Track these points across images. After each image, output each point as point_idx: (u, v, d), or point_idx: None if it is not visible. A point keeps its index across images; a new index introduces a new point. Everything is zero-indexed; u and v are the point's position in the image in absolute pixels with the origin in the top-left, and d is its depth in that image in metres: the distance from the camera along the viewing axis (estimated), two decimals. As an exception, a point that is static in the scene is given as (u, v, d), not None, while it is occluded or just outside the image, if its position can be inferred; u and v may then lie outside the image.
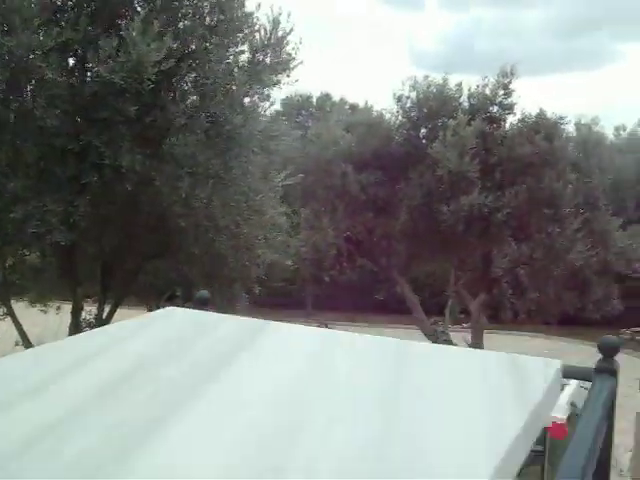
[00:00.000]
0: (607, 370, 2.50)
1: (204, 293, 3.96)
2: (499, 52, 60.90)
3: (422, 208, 17.03)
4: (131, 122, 8.74)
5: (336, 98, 30.99)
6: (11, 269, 11.12)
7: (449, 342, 19.27)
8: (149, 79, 8.27)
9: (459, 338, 19.90)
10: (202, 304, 3.85)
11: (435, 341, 19.27)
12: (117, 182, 8.84)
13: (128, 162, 8.45)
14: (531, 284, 17.77)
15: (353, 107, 25.56)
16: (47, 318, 13.14)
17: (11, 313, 11.50)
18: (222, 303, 13.96)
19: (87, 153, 8.75)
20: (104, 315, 11.47)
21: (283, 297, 27.68)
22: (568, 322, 21.13)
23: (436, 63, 76.97)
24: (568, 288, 17.64)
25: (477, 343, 19.14)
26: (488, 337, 21.08)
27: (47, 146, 8.71)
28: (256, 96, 9.76)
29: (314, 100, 32.01)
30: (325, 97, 31.80)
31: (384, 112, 19.30)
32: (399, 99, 18.21)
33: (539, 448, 3.09)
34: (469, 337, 19.74)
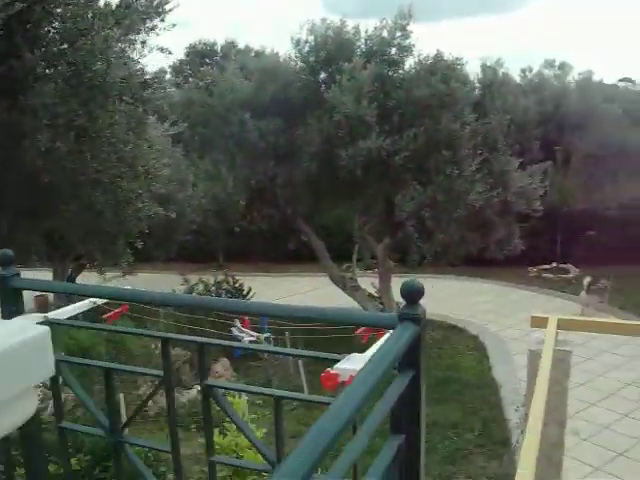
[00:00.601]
0: (409, 317, 2.31)
1: (7, 252, 3.65)
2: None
3: (322, 154, 16.82)
4: (-17, 72, 8.22)
5: (242, 45, 30.37)
6: None
7: (357, 288, 19.32)
8: (-4, 25, 7.74)
9: (368, 284, 19.96)
10: (4, 264, 3.56)
11: (343, 288, 19.29)
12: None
13: (-21, 115, 7.95)
14: (435, 226, 17.82)
15: (258, 54, 24.99)
16: None
17: None
18: (105, 260, 13.67)
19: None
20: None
21: (195, 250, 27.37)
22: (473, 263, 21.36)
23: (352, 10, 76.41)
24: (471, 229, 17.74)
25: (385, 287, 19.22)
26: (400, 281, 21.16)
27: None
28: (122, 42, 9.26)
29: (219, 48, 31.26)
30: (230, 45, 31.07)
31: (283, 57, 18.93)
32: (297, 43, 17.81)
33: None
34: (377, 282, 19.80)
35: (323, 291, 22.01)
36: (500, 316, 20.72)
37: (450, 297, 22.33)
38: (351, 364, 2.66)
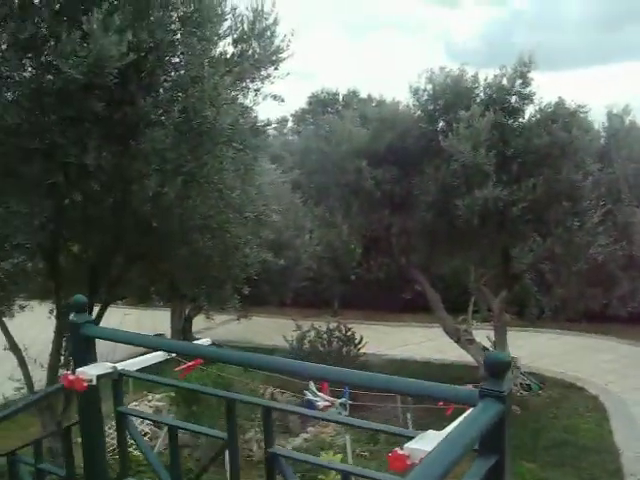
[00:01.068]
0: (492, 394, 2.05)
1: (80, 298, 3.59)
2: (538, 45, 59.61)
3: (438, 203, 16.50)
4: (99, 119, 8.44)
5: (364, 95, 30.49)
6: None
7: (471, 341, 18.73)
8: (112, 74, 7.93)
9: (483, 336, 19.33)
10: (78, 311, 3.49)
11: (457, 340, 18.74)
12: (84, 182, 8.53)
13: (92, 160, 8.14)
14: (554, 280, 17.10)
15: (379, 103, 25.06)
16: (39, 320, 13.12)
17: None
18: (212, 305, 13.77)
19: (53, 152, 8.46)
20: (93, 316, 11.22)
21: (310, 297, 27.44)
22: (594, 319, 20.33)
23: (473, 59, 76.12)
24: (592, 284, 16.90)
25: (501, 341, 18.54)
26: (517, 335, 20.48)
27: (11, 145, 8.43)
28: (234, 90, 9.35)
29: (340, 98, 31.48)
30: (352, 94, 31.26)
31: (402, 106, 18.84)
32: (415, 92, 17.67)
33: None
34: (492, 335, 19.14)
35: (437, 342, 21.49)
36: (623, 376, 19.51)
37: (569, 354, 21.31)
38: (423, 444, 2.37)
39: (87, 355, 3.42)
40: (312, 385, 15.99)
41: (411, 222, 17.62)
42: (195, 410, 11.82)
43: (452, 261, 20.41)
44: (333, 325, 19.96)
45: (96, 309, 11.44)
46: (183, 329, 23.66)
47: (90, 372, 3.25)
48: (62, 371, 10.23)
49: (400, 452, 2.41)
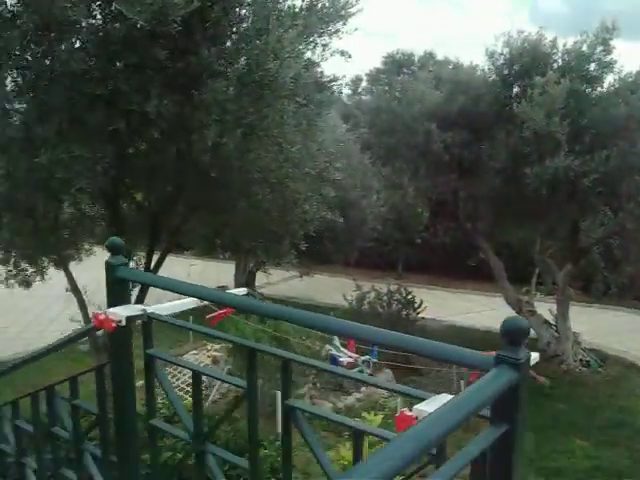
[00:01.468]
0: (507, 361, 1.99)
1: (116, 240, 3.62)
2: (623, 12, 57.43)
3: (507, 170, 16.19)
4: (162, 67, 8.47)
5: (440, 57, 29.95)
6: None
7: (532, 313, 18.43)
8: (176, 22, 7.92)
9: (545, 309, 19.01)
10: (114, 253, 3.52)
11: (518, 311, 18.46)
12: (145, 130, 8.61)
13: (154, 108, 8.19)
14: (623, 256, 16.67)
15: (456, 66, 24.57)
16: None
17: (63, 263, 11.65)
18: (268, 259, 13.84)
19: (116, 100, 8.55)
20: (152, 264, 11.44)
21: (374, 258, 27.39)
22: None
23: (556, 23, 73.77)
24: (665, 263, 16.41)
25: (562, 315, 18.20)
26: (581, 311, 20.07)
27: (76, 92, 8.54)
28: (301, 44, 9.24)
29: (416, 59, 31.00)
30: (428, 56, 30.77)
31: (477, 69, 18.46)
32: (491, 55, 17.26)
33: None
34: (555, 309, 18.80)
35: (498, 312, 21.09)
36: (690, 359, 18.96)
37: (633, 332, 20.74)
38: (433, 406, 2.30)
39: (120, 296, 3.44)
40: (336, 340, 15.82)
41: (478, 188, 17.36)
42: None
43: (518, 230, 20.02)
44: (394, 287, 19.87)
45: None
46: (246, 283, 23.92)
47: (120, 313, 3.26)
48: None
49: (408, 413, 2.36)
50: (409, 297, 19.69)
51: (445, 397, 2.40)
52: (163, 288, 3.45)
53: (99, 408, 3.84)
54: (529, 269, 20.48)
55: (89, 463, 4.05)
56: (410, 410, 2.33)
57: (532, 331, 18.27)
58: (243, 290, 3.85)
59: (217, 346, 17.64)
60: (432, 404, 2.34)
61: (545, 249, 18.70)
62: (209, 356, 17.47)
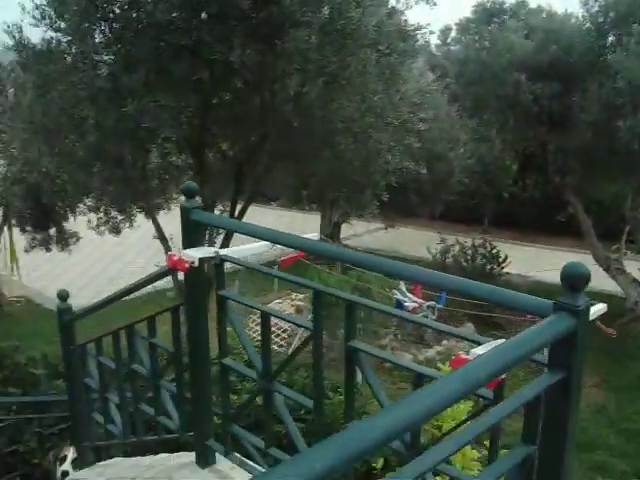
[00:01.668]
0: (566, 307, 1.99)
1: (190, 184, 3.71)
2: None
3: (599, 123, 15.61)
4: (245, 17, 8.52)
5: (533, 5, 28.92)
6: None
7: (621, 271, 17.95)
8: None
9: (634, 268, 18.45)
10: (188, 197, 3.62)
11: (606, 269, 18.00)
12: (229, 79, 8.70)
13: (237, 58, 8.26)
14: None
15: (549, 15, 23.73)
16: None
17: (151, 211, 11.97)
18: (352, 210, 13.85)
19: (200, 50, 8.65)
20: (236, 213, 11.62)
21: (460, 212, 27.05)
22: None
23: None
24: None
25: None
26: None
27: (161, 42, 8.69)
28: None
29: (508, 7, 30.06)
30: (520, 4, 29.72)
31: (570, 17, 17.81)
32: (585, 2, 16.58)
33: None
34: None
35: (586, 270, 20.62)
36: None
37: None
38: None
39: (194, 239, 3.54)
40: (402, 285, 15.63)
41: (568, 141, 16.85)
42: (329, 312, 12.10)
43: (609, 186, 19.39)
44: (478, 241, 19.64)
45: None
46: (331, 234, 24.04)
47: (193, 254, 3.36)
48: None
49: (464, 356, 2.39)
50: (494, 251, 19.44)
51: (501, 342, 2.41)
52: (235, 231, 3.54)
53: (174, 347, 3.97)
54: (619, 226, 19.82)
55: (165, 399, 4.23)
56: (466, 354, 2.35)
57: (620, 290, 17.84)
58: (315, 235, 3.91)
59: (301, 295, 17.84)
60: (489, 348, 2.34)
61: (637, 205, 18.07)
62: (293, 305, 17.72)
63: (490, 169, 22.77)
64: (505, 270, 19.27)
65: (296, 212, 27.97)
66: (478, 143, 20.30)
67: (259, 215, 21.63)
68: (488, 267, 19.07)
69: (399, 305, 14.76)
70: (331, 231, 24.18)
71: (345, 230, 24.83)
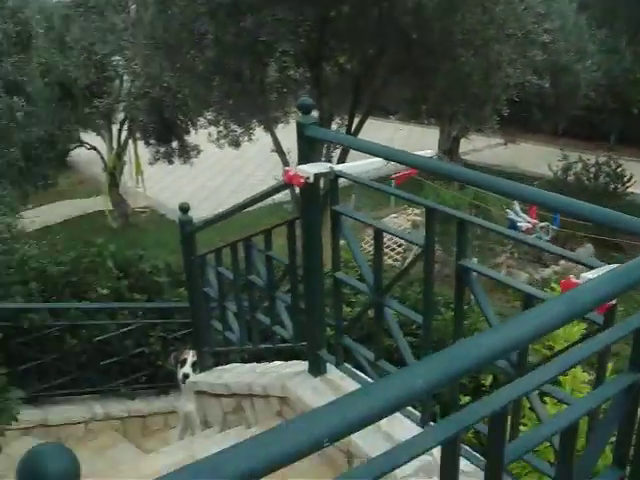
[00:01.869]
0: None
1: (306, 100, 3.73)
2: None
3: None
4: None
5: None
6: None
7: None
8: None
9: None
10: (304, 112, 3.66)
11: None
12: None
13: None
14: None
15: None
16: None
17: (270, 125, 12.10)
18: (470, 124, 13.50)
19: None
20: (353, 127, 11.60)
21: (587, 128, 25.96)
22: None
23: None
24: None
25: None
26: None
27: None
28: None
29: None
30: None
31: None
32: None
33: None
34: None
35: None
36: None
37: None
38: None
39: (309, 154, 3.57)
40: (516, 205, 15.17)
41: None
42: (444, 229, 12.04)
43: None
44: (602, 159, 18.86)
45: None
46: (450, 149, 23.65)
47: (308, 170, 3.39)
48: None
49: (573, 280, 2.35)
50: (619, 170, 18.65)
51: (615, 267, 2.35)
52: (349, 147, 3.55)
53: (289, 260, 4.07)
54: None
55: (280, 310, 4.36)
56: (576, 277, 2.31)
57: None
58: (430, 152, 3.87)
59: (417, 210, 17.72)
60: (601, 272, 2.29)
61: None
62: (409, 220, 17.70)
63: (619, 82, 21.62)
64: (630, 190, 18.49)
65: (414, 126, 27.59)
66: (607, 55, 19.30)
67: (376, 129, 21.51)
68: (612, 186, 18.35)
69: (512, 225, 14.51)
70: (449, 146, 23.78)
71: (464, 145, 24.35)
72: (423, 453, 1.36)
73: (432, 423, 3.16)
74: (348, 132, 11.61)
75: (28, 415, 6.27)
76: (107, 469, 5.25)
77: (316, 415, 1.22)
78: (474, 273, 2.94)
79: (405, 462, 1.34)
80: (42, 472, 0.98)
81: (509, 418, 1.55)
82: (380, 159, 3.40)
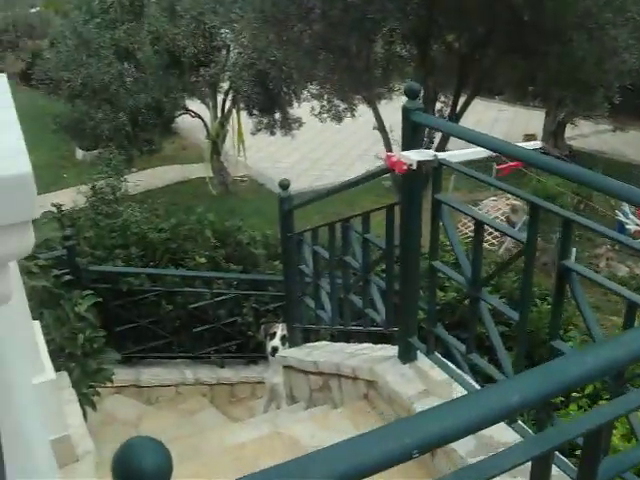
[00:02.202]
0: None
1: (413, 85, 3.69)
2: None
3: None
4: None
5: None
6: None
7: None
8: None
9: None
10: (410, 97, 3.62)
11: None
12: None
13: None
14: None
15: None
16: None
17: (373, 101, 12.05)
18: (579, 110, 13.05)
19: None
20: (458, 107, 11.43)
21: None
22: None
23: None
24: None
25: None
26: None
27: None
28: None
29: None
30: None
31: None
32: None
33: None
34: None
35: None
36: None
37: None
38: None
39: (413, 140, 3.53)
40: (626, 206, 14.57)
41: None
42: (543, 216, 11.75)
43: None
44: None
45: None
46: (555, 133, 23.00)
47: (412, 157, 3.35)
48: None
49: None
50: None
51: None
52: (454, 135, 3.49)
53: (386, 244, 4.05)
54: None
55: (373, 292, 4.36)
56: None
57: None
58: (537, 144, 3.76)
59: (519, 195, 17.31)
60: None
61: None
62: (508, 204, 17.36)
63: None
64: None
65: (519, 107, 26.97)
66: None
67: (481, 109, 21.08)
68: None
69: (620, 227, 14.06)
70: (554, 130, 23.11)
71: (569, 130, 23.63)
72: (512, 468, 1.34)
73: (520, 422, 3.11)
74: (453, 112, 11.45)
75: (121, 375, 6.50)
76: (193, 434, 5.38)
77: (408, 424, 1.22)
78: (575, 274, 2.86)
79: (495, 476, 1.32)
80: (136, 469, 1.00)
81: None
82: (485, 150, 3.33)
